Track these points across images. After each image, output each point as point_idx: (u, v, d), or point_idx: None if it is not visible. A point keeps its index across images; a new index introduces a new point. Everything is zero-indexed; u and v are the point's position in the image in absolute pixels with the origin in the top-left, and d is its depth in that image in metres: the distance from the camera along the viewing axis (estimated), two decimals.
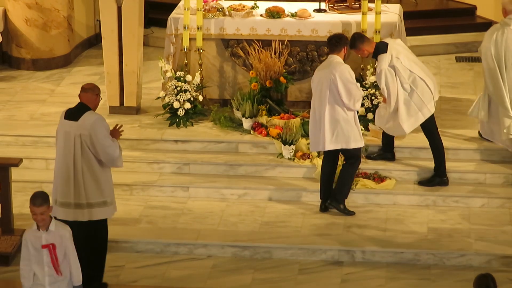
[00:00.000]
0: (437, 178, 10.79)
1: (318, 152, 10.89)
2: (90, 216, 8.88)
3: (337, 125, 10.02)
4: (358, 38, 10.38)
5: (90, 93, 8.90)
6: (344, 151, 10.21)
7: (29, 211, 10.23)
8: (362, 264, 9.86)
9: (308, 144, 10.95)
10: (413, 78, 10.39)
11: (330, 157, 10.27)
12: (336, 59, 10.05)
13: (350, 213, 10.45)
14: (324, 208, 10.48)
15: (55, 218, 8.55)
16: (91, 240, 9.04)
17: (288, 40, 11.68)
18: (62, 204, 8.88)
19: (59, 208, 8.90)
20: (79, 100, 10.09)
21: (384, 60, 10.33)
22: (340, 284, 9.55)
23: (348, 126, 10.05)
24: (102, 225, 9.08)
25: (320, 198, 10.48)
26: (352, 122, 10.11)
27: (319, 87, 10.02)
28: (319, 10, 12.06)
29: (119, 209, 9.66)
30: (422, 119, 10.45)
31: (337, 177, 10.41)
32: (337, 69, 9.92)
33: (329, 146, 10.06)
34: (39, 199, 7.20)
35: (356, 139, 10.12)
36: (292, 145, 11.01)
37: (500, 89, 10.75)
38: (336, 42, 10.10)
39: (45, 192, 7.32)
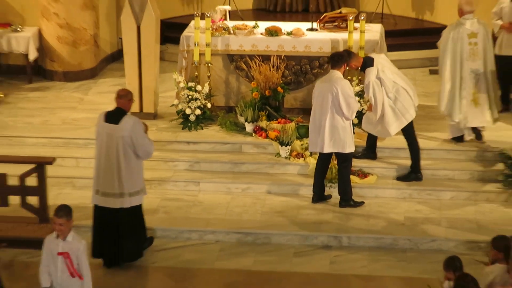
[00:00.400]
0: (413, 174, 10.82)
1: (311, 152, 10.92)
2: (131, 202, 9.15)
3: (336, 132, 10.05)
4: (347, 54, 10.43)
5: (124, 99, 9.14)
6: (339, 154, 10.23)
7: (60, 201, 10.38)
8: (348, 248, 9.89)
9: (301, 145, 11.05)
10: (396, 88, 10.41)
11: (325, 157, 10.29)
12: (337, 74, 10.06)
13: (360, 204, 10.49)
14: (316, 200, 10.52)
15: (96, 206, 9.28)
16: (129, 220, 9.32)
17: (284, 55, 11.65)
18: (105, 194, 9.17)
19: (101, 198, 9.22)
20: (104, 107, 10.19)
21: (372, 73, 10.35)
22: (329, 266, 9.59)
23: (344, 133, 10.09)
24: (139, 207, 9.39)
25: (313, 191, 10.51)
26: (348, 129, 10.15)
27: (321, 98, 10.05)
28: (311, 29, 12.04)
29: None
30: (405, 123, 10.47)
31: (338, 181, 10.43)
32: (339, 84, 9.95)
33: (327, 149, 10.10)
34: (61, 212, 7.22)
35: (350, 144, 10.17)
36: (288, 146, 11.02)
37: (444, 82, 10.98)
38: (338, 59, 10.12)
39: (69, 206, 7.28)
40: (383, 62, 10.56)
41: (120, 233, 9.33)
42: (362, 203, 10.51)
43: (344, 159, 10.29)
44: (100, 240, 9.41)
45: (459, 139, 11.27)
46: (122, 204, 9.21)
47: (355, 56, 10.58)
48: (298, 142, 11.11)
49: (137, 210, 9.47)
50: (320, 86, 10.22)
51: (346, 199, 10.44)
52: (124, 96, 9.17)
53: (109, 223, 9.35)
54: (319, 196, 10.55)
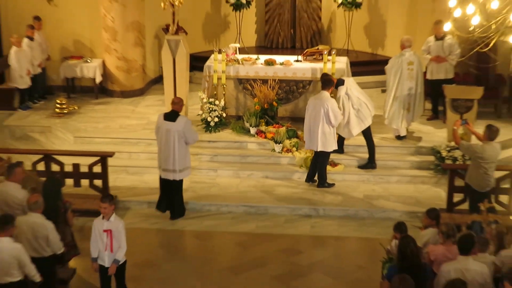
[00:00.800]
0: (369, 164, 10.81)
1: (297, 148, 10.96)
2: (180, 176, 9.57)
3: (324, 136, 10.07)
4: (329, 79, 10.41)
5: (178, 105, 9.51)
6: (323, 151, 10.22)
7: (117, 184, 10.52)
8: (323, 216, 9.92)
9: (290, 143, 11.01)
10: (359, 102, 10.41)
11: (317, 153, 10.31)
12: (327, 95, 10.11)
13: (332, 185, 10.48)
14: (307, 180, 10.58)
15: (162, 179, 9.62)
16: (178, 187, 9.70)
17: (278, 79, 11.60)
18: (165, 170, 9.54)
19: (163, 172, 9.57)
20: (150, 116, 10.30)
21: (342, 90, 10.37)
22: (310, 229, 9.66)
23: (330, 137, 10.14)
24: (182, 180, 9.74)
25: (307, 174, 10.59)
26: (332, 134, 10.17)
27: (314, 111, 10.07)
28: (297, 60, 11.99)
29: None
30: (364, 127, 10.50)
31: (318, 170, 10.43)
32: (329, 102, 10.01)
33: (320, 149, 10.12)
34: (105, 198, 7.21)
35: (332, 145, 10.19)
36: (280, 144, 11.02)
37: (388, 95, 11.08)
38: (327, 83, 10.18)
39: (111, 194, 7.25)
40: (350, 83, 10.58)
41: (173, 196, 9.68)
42: (333, 184, 10.50)
43: (325, 155, 10.29)
44: (163, 199, 9.75)
45: (399, 137, 11.31)
46: (175, 177, 9.48)
47: (332, 78, 10.59)
48: (287, 141, 11.06)
49: (181, 183, 9.76)
50: (313, 102, 10.21)
51: (322, 182, 10.44)
52: (177, 103, 9.55)
53: (167, 189, 9.68)
54: (310, 177, 10.53)
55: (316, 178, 10.53)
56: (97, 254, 7.29)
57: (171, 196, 9.72)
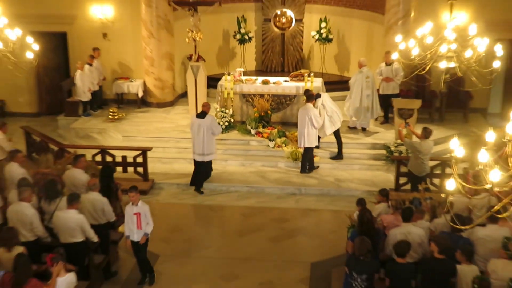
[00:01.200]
0: (338, 156, 10.69)
1: (285, 144, 10.81)
2: (208, 158, 9.73)
3: (309, 136, 9.99)
4: (311, 94, 10.31)
5: (206, 107, 9.72)
6: (307, 147, 10.16)
7: (154, 171, 10.45)
8: (304, 194, 9.88)
9: (280, 141, 10.88)
10: (332, 110, 10.28)
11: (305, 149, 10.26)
12: (310, 106, 10.02)
13: (312, 170, 10.39)
14: (302, 172, 10.42)
15: (195, 160, 9.70)
16: (208, 167, 9.92)
17: (272, 94, 11.51)
18: (198, 154, 9.65)
19: (196, 156, 9.67)
20: (179, 121, 10.25)
21: (319, 101, 10.23)
22: (295, 203, 9.63)
23: (313, 137, 10.04)
24: (211, 162, 9.94)
25: (301, 166, 10.46)
26: (315, 135, 10.09)
27: (302, 118, 9.98)
28: (285, 81, 11.87)
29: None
30: (335, 129, 10.38)
31: (302, 159, 10.36)
32: (312, 112, 9.94)
33: (306, 145, 10.05)
34: (132, 189, 6.99)
35: (313, 142, 10.12)
36: (273, 141, 10.91)
37: (354, 101, 11.18)
38: (310, 97, 10.11)
39: (136, 186, 7.07)
40: (325, 97, 10.46)
41: (204, 173, 9.90)
42: (317, 167, 10.48)
43: (308, 149, 10.20)
44: (195, 177, 9.86)
45: (364, 129, 11.36)
46: (203, 159, 9.55)
47: (311, 92, 10.47)
48: (278, 139, 10.94)
49: (209, 163, 9.89)
50: (302, 112, 10.12)
51: (304, 169, 10.35)
52: (206, 105, 9.76)
53: (198, 168, 9.75)
54: (303, 169, 10.40)
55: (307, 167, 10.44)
56: (129, 233, 7.12)
57: (202, 173, 9.83)
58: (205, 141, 9.55)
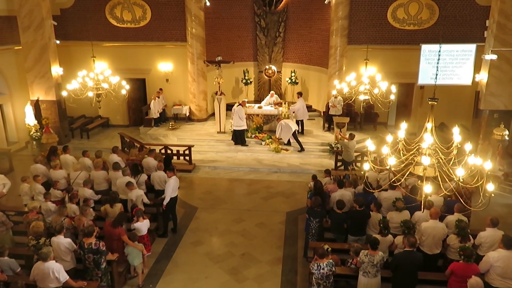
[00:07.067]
0: (301, 150, 10.52)
1: (271, 143, 10.63)
2: (238, 128, 9.86)
3: (286, 134, 9.98)
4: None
5: (244, 103, 9.73)
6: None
7: (195, 158, 9.96)
8: (282, 172, 9.63)
9: (268, 141, 10.70)
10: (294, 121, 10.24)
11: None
12: (288, 120, 10.00)
13: (302, 150, 10.06)
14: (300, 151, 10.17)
15: (234, 130, 9.74)
16: (242, 134, 10.00)
17: (263, 114, 11.37)
18: (234, 126, 9.75)
19: (234, 127, 9.69)
20: (209, 130, 10.20)
21: (292, 115, 10.18)
22: (276, 177, 9.42)
23: (289, 134, 10.00)
24: (243, 132, 10.18)
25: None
26: (290, 133, 10.00)
27: (285, 125, 9.90)
28: (271, 106, 11.68)
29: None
30: (292, 131, 10.26)
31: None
32: (289, 121, 9.95)
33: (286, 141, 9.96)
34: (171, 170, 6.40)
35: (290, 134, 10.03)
36: (264, 141, 10.78)
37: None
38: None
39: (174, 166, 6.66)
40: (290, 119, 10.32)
41: (240, 138, 10.01)
42: (303, 149, 10.11)
43: (294, 134, 10.02)
44: (236, 139, 9.93)
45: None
46: (236, 129, 9.91)
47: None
48: (267, 140, 10.81)
49: (242, 132, 10.04)
50: (283, 121, 10.08)
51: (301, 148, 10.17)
52: (242, 103, 9.89)
53: (236, 134, 9.94)
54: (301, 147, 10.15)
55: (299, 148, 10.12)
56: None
57: (238, 137, 10.03)
58: (236, 119, 10.01)
